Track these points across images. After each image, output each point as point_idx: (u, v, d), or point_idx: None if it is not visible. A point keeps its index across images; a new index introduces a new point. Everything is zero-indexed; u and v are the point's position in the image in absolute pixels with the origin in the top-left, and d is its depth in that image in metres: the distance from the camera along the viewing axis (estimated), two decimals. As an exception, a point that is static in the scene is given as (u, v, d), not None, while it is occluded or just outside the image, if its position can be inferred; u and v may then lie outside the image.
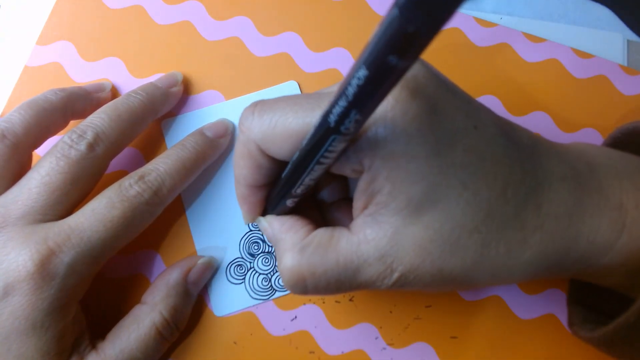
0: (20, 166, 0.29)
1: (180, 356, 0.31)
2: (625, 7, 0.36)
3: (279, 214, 0.26)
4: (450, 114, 0.21)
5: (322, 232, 0.24)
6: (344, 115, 0.18)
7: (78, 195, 0.28)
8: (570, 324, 0.30)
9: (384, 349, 0.31)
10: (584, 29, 0.37)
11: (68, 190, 0.27)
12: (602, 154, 0.26)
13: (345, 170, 0.22)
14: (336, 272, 0.23)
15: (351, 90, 0.17)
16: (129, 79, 0.35)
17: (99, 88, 0.33)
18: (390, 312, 0.32)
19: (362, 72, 0.16)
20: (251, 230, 0.33)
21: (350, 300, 0.32)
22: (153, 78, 0.34)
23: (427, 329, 0.32)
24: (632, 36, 0.36)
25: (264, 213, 0.28)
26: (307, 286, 0.23)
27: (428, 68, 0.22)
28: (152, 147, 0.34)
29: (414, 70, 0.21)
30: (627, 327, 0.23)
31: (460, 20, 0.36)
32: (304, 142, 0.21)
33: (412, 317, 0.32)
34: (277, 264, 0.25)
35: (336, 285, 0.23)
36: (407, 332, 0.32)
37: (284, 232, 0.25)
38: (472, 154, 0.21)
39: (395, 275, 0.22)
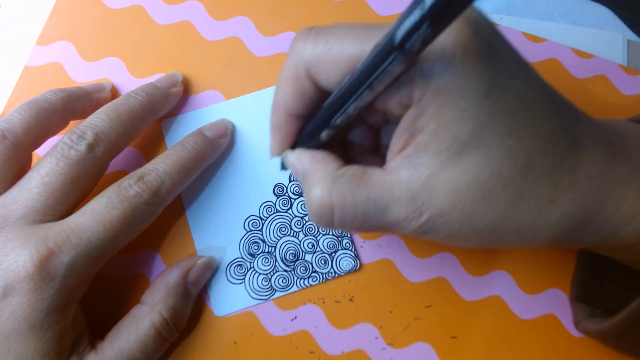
0: (20, 166, 0.29)
1: (180, 356, 0.31)
2: (625, 7, 0.36)
3: (308, 149, 0.26)
4: (506, 60, 0.21)
5: (354, 167, 0.24)
6: (414, 29, 0.17)
7: (78, 196, 0.28)
8: (576, 322, 0.30)
9: (384, 349, 0.31)
10: (584, 29, 0.37)
11: (68, 190, 0.27)
12: (628, 127, 0.25)
13: (392, 102, 0.22)
14: (365, 207, 0.23)
15: (428, 1, 0.16)
16: (129, 79, 0.35)
17: (99, 88, 0.33)
18: (390, 312, 0.32)
19: None
20: (251, 231, 0.33)
21: (350, 300, 0.32)
22: (153, 78, 0.34)
23: (427, 329, 0.32)
24: (632, 36, 0.36)
25: (292, 148, 0.27)
26: (334, 217, 0.23)
27: (485, 16, 0.22)
28: (152, 147, 0.34)
29: (474, 13, 0.21)
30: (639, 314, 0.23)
31: (460, 20, 0.36)
32: (359, 64, 0.21)
33: (412, 317, 0.32)
34: (304, 195, 0.24)
35: (362, 220, 0.23)
36: (407, 332, 0.32)
37: (315, 163, 0.25)
38: (520, 102, 0.21)
39: (424, 218, 0.22)
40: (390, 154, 0.24)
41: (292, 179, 0.33)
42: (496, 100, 0.21)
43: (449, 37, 0.20)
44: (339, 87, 0.22)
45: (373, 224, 0.23)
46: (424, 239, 0.24)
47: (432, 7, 0.16)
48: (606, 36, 0.36)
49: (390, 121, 0.25)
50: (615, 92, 0.35)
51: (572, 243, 0.24)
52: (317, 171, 0.24)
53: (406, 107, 0.22)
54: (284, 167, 0.29)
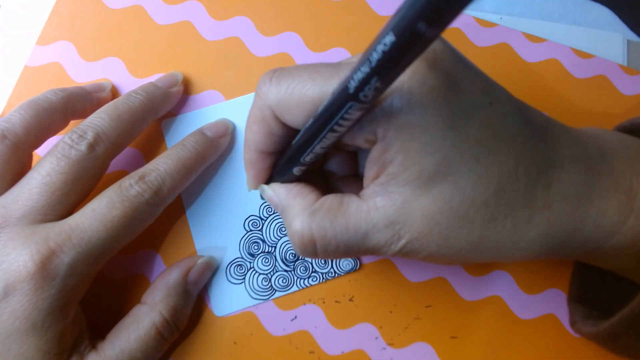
0: (21, 166, 0.29)
1: (180, 356, 0.31)
2: (625, 7, 0.36)
3: (283, 182, 0.27)
4: (467, 89, 0.22)
5: (332, 198, 0.24)
6: (364, 82, 0.18)
7: (79, 196, 0.28)
8: (572, 322, 0.30)
9: (384, 349, 0.31)
10: (584, 29, 0.37)
11: (68, 190, 0.27)
12: (614, 139, 0.26)
13: (358, 140, 0.23)
14: (345, 237, 0.23)
15: (375, 57, 0.17)
16: (129, 79, 0.35)
17: (99, 88, 0.33)
18: (390, 312, 0.32)
19: (389, 38, 0.16)
20: (251, 230, 0.33)
21: (350, 300, 0.32)
22: (153, 78, 0.34)
23: (427, 329, 0.32)
24: (632, 36, 0.36)
25: (268, 182, 0.28)
26: (317, 249, 0.24)
27: (446, 44, 0.22)
28: (152, 147, 0.34)
29: (433, 45, 0.21)
30: (632, 317, 0.23)
31: (460, 21, 0.36)
32: (320, 108, 0.21)
33: (412, 317, 0.32)
34: (286, 229, 0.25)
35: (345, 250, 0.24)
36: (407, 332, 0.32)
37: (292, 197, 0.25)
38: (486, 130, 0.22)
39: (402, 241, 0.23)
40: (365, 182, 0.24)
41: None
42: (459, 131, 0.21)
43: (406, 74, 0.20)
44: (304, 128, 0.23)
45: (356, 251, 0.24)
46: (406, 258, 0.24)
47: (379, 63, 0.17)
48: (606, 36, 0.36)
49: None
50: (615, 92, 0.35)
51: (559, 256, 0.24)
52: (294, 206, 0.25)
53: (372, 142, 0.22)
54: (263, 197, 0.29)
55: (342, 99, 0.19)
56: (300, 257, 0.32)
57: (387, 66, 0.17)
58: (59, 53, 0.35)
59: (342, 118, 0.20)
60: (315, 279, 0.32)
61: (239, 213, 0.33)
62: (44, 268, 0.25)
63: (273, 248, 0.32)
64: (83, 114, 0.31)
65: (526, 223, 0.22)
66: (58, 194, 0.27)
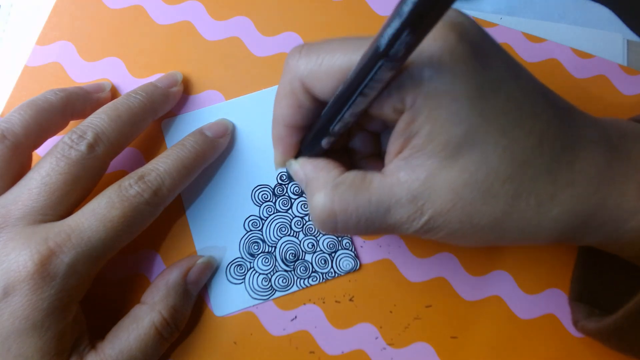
0: (21, 166, 0.29)
1: (180, 356, 0.31)
2: (625, 7, 0.36)
3: (310, 157, 0.27)
4: (494, 62, 0.22)
5: (355, 173, 0.24)
6: (395, 37, 0.18)
7: (78, 196, 0.28)
8: (575, 321, 0.30)
9: (384, 349, 0.31)
10: (584, 29, 0.37)
11: (68, 190, 0.27)
12: (630, 125, 0.26)
13: (386, 108, 0.23)
14: (367, 211, 0.23)
15: (406, 9, 0.17)
16: (129, 79, 0.35)
17: (99, 88, 0.33)
18: (390, 312, 0.32)
19: None
20: (251, 231, 0.33)
21: (350, 300, 0.32)
22: (153, 78, 0.34)
23: (427, 329, 0.32)
24: (632, 36, 0.36)
25: (295, 157, 0.28)
26: (337, 223, 0.24)
27: (473, 20, 0.22)
28: (152, 147, 0.34)
29: (461, 18, 0.22)
30: (637, 312, 0.23)
31: (460, 20, 0.36)
32: (350, 73, 0.21)
33: (412, 317, 0.32)
34: (308, 202, 0.25)
35: (366, 225, 0.24)
36: (407, 332, 0.32)
37: (318, 171, 0.25)
38: (512, 103, 0.22)
39: (425, 217, 0.23)
40: (388, 158, 0.24)
41: (291, 179, 0.33)
42: (487, 101, 0.21)
43: (436, 43, 0.21)
44: (334, 96, 0.23)
45: (376, 226, 0.24)
46: (426, 238, 0.24)
47: (410, 15, 0.17)
48: (606, 36, 0.36)
49: (389, 128, 0.25)
50: (615, 92, 0.35)
51: (576, 240, 0.24)
52: (318, 179, 0.25)
53: (400, 112, 0.22)
54: (290, 177, 0.29)
55: (373, 59, 0.19)
56: (300, 257, 0.32)
57: (418, 18, 0.17)
58: (59, 53, 0.35)
59: (372, 79, 0.20)
60: (315, 279, 0.32)
61: (239, 213, 0.33)
62: (44, 268, 0.25)
63: (273, 248, 0.32)
64: (83, 114, 0.31)
65: (549, 200, 0.22)
66: (58, 194, 0.27)
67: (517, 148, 0.22)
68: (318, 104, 0.25)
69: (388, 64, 0.19)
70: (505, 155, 0.22)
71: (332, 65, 0.23)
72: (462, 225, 0.23)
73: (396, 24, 0.17)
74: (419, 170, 0.22)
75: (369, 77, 0.20)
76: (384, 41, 0.18)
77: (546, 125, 0.22)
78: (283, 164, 0.28)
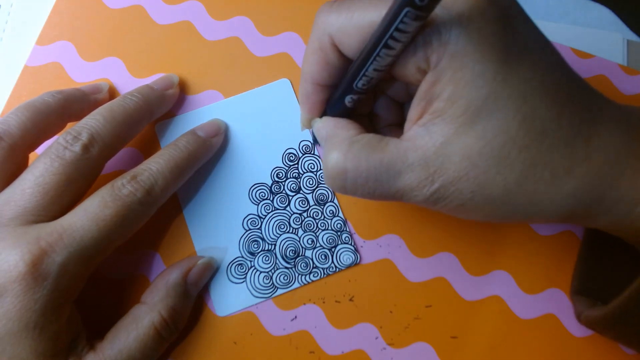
0: (17, 168, 0.29)
1: (180, 356, 0.31)
2: (625, 7, 0.36)
3: (334, 117, 0.27)
4: (522, 29, 0.22)
5: (372, 135, 0.24)
6: None
7: (72, 197, 0.28)
8: (578, 313, 0.29)
9: (384, 349, 0.31)
10: (584, 29, 0.37)
11: (62, 191, 0.27)
12: None
13: (410, 68, 0.22)
14: (378, 171, 0.23)
15: None
16: (129, 79, 0.35)
17: (97, 89, 0.33)
18: (390, 312, 0.32)
19: None
20: (250, 229, 0.33)
21: (350, 300, 0.32)
22: (153, 78, 0.34)
23: (427, 329, 0.32)
24: (632, 36, 0.36)
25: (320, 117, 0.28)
26: (347, 179, 0.24)
27: None
28: (152, 147, 0.34)
29: None
30: None
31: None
32: (376, 26, 0.21)
33: (412, 317, 0.32)
34: (323, 159, 0.25)
35: (374, 186, 0.24)
36: (407, 332, 0.31)
37: (337, 129, 0.26)
38: (536, 71, 0.21)
39: (436, 185, 0.22)
40: (407, 124, 0.24)
41: (288, 176, 0.33)
42: (512, 66, 0.21)
43: (466, 3, 0.21)
44: (360, 51, 0.23)
45: (385, 190, 0.24)
46: (435, 209, 0.24)
47: None
48: (606, 36, 0.36)
49: (412, 96, 0.25)
50: (615, 92, 0.35)
51: (586, 219, 0.24)
52: (337, 136, 0.25)
53: (423, 72, 0.22)
54: (315, 140, 0.30)
55: (399, 6, 0.19)
56: (300, 254, 0.32)
57: None
58: (59, 53, 0.35)
59: (396, 29, 0.20)
60: (316, 275, 0.32)
61: (237, 212, 0.33)
62: (35, 268, 0.25)
63: (273, 246, 0.32)
64: (80, 115, 0.31)
65: (564, 174, 0.22)
66: (51, 194, 0.27)
67: (537, 117, 0.21)
68: (346, 61, 0.25)
69: (413, 12, 0.19)
70: (525, 123, 0.21)
71: (363, 20, 0.22)
72: (473, 195, 0.22)
73: None
74: (435, 136, 0.22)
75: (394, 26, 0.20)
76: None
77: (567, 98, 0.22)
78: (308, 122, 0.28)
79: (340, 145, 0.24)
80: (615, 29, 0.37)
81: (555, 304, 0.32)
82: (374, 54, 0.22)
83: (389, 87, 0.28)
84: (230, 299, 0.32)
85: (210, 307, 0.32)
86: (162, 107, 0.33)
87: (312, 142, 0.32)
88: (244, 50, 0.35)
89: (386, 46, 0.21)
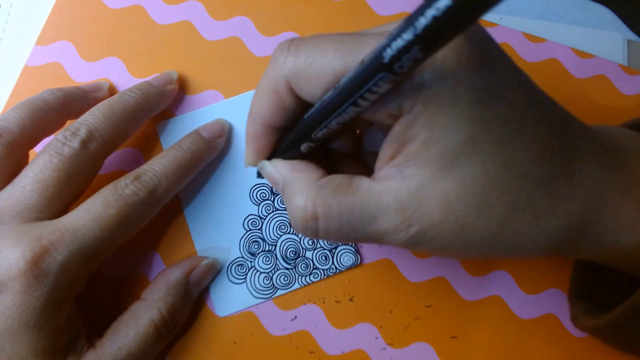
0: (16, 165, 0.29)
1: (181, 356, 0.31)
2: (625, 7, 0.36)
3: (285, 159, 0.25)
4: (500, 69, 0.21)
5: (340, 177, 0.23)
6: (404, 51, 0.16)
7: (72, 193, 0.28)
8: (573, 317, 0.30)
9: (384, 349, 0.31)
10: (584, 29, 0.37)
11: (62, 187, 0.27)
12: (626, 134, 0.25)
13: (380, 114, 0.21)
14: (351, 217, 0.22)
15: (423, 23, 0.15)
16: (129, 79, 0.35)
17: (96, 87, 0.33)
18: (390, 312, 0.32)
19: (444, 2, 0.14)
20: (250, 230, 0.33)
21: (350, 300, 0.32)
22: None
23: (427, 329, 0.32)
24: (632, 36, 0.36)
25: (269, 159, 0.27)
26: (319, 227, 0.23)
27: (479, 24, 0.21)
28: (152, 147, 0.34)
29: None
30: (633, 310, 0.23)
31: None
32: (344, 79, 0.20)
33: (412, 317, 0.32)
34: (286, 205, 0.24)
35: (348, 231, 0.22)
36: (407, 332, 0.32)
37: (296, 172, 0.24)
38: (515, 111, 0.21)
39: (413, 229, 0.21)
40: (379, 164, 0.23)
41: (261, 177, 0.33)
42: (489, 108, 0.20)
43: None
44: (321, 101, 0.22)
45: (359, 234, 0.23)
46: (415, 250, 0.23)
47: (426, 31, 0.15)
48: (606, 36, 0.36)
49: (374, 127, 0.25)
50: (615, 92, 0.35)
51: (570, 254, 0.24)
52: (299, 181, 0.24)
53: (396, 117, 0.21)
54: (260, 175, 0.28)
55: (373, 69, 0.18)
56: (300, 255, 0.32)
57: (434, 35, 0.15)
58: (58, 53, 0.35)
59: (369, 91, 0.19)
60: (316, 276, 0.32)
61: (237, 212, 0.33)
62: (36, 266, 0.25)
63: (273, 246, 0.32)
64: (80, 113, 0.31)
65: (547, 214, 0.21)
66: (51, 190, 0.27)
67: (516, 160, 0.21)
68: (301, 105, 0.24)
69: (389, 77, 0.18)
70: (504, 166, 0.21)
71: (324, 67, 0.21)
72: (454, 239, 0.21)
73: (408, 36, 0.16)
74: (410, 179, 0.21)
75: (366, 88, 0.19)
76: (390, 53, 0.17)
77: (547, 136, 0.21)
78: (254, 163, 0.27)
79: (306, 190, 0.23)
80: (615, 29, 0.37)
81: (555, 304, 0.32)
82: (339, 110, 0.20)
83: (351, 124, 0.26)
84: (230, 299, 0.32)
85: (210, 307, 0.32)
86: (161, 103, 0.33)
87: (257, 175, 0.29)
88: (244, 50, 0.35)
89: (354, 104, 0.20)
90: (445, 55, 0.20)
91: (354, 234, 0.23)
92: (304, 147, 0.24)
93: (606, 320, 0.25)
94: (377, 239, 0.23)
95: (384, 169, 0.22)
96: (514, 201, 0.21)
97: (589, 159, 0.22)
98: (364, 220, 0.22)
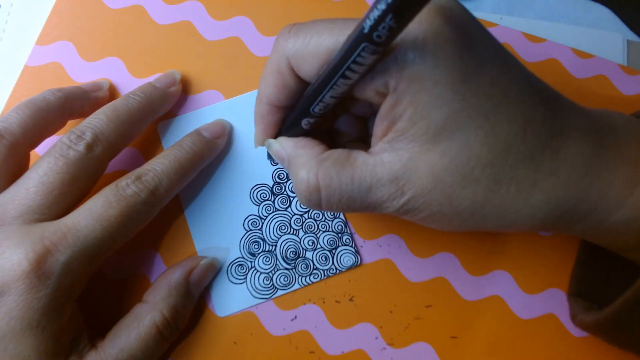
0: (18, 166, 0.29)
1: (181, 356, 0.31)
2: (625, 7, 0.36)
3: (291, 137, 0.27)
4: (481, 47, 0.22)
5: (339, 151, 0.25)
6: (379, 20, 0.18)
7: (76, 196, 0.28)
8: (573, 316, 0.30)
9: (384, 349, 0.31)
10: (584, 29, 0.37)
11: (66, 190, 0.27)
12: (621, 117, 0.26)
13: (369, 91, 0.23)
14: (350, 188, 0.24)
15: None
16: (129, 79, 0.35)
17: (97, 87, 0.33)
18: (390, 312, 0.32)
19: None
20: (250, 230, 0.33)
21: (350, 300, 0.32)
22: (153, 78, 0.34)
23: (427, 329, 0.32)
24: (632, 36, 0.36)
25: (275, 137, 0.28)
26: (321, 199, 0.24)
27: (462, 5, 0.22)
28: (152, 147, 0.34)
29: (449, 3, 0.22)
30: (635, 301, 0.23)
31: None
32: (334, 54, 0.22)
33: (412, 317, 0.32)
34: (292, 179, 0.26)
35: (347, 202, 0.24)
36: (407, 332, 0.32)
37: (299, 148, 0.26)
38: (497, 88, 0.22)
39: (405, 197, 0.23)
40: (373, 140, 0.25)
41: (289, 178, 0.33)
42: (470, 85, 0.21)
43: (421, 26, 0.21)
44: (317, 76, 0.24)
45: (357, 204, 0.24)
46: (407, 219, 0.24)
47: (395, 0, 0.17)
48: (606, 36, 0.36)
49: (376, 111, 0.26)
50: (615, 92, 0.35)
51: (559, 228, 0.24)
52: (302, 155, 0.25)
53: (383, 95, 0.23)
54: (270, 157, 0.30)
55: (356, 40, 0.20)
56: (301, 255, 0.32)
57: (403, 4, 0.17)
58: (59, 53, 0.35)
59: (354, 62, 0.20)
60: (316, 276, 0.32)
61: (238, 213, 0.33)
62: (39, 267, 0.25)
63: (273, 247, 0.32)
64: (81, 113, 0.31)
65: (530, 188, 0.22)
66: (55, 193, 0.27)
67: (500, 133, 0.22)
68: (303, 84, 0.25)
69: (370, 47, 0.19)
70: (487, 140, 0.22)
71: (319, 46, 0.23)
72: (442, 207, 0.23)
73: (381, 6, 0.18)
74: (401, 153, 0.23)
75: (351, 59, 0.20)
76: (368, 23, 0.19)
77: (531, 112, 0.22)
78: (262, 142, 0.29)
79: (309, 164, 0.25)
80: (615, 29, 0.37)
81: (555, 304, 0.32)
82: (331, 83, 0.22)
83: (352, 105, 0.28)
84: (230, 299, 0.32)
85: (211, 308, 0.32)
86: (165, 105, 0.33)
87: (267, 156, 0.32)
88: (244, 50, 0.35)
89: (343, 76, 0.22)
90: (426, 35, 0.21)
91: (353, 204, 0.24)
92: (304, 122, 0.26)
93: (607, 314, 0.25)
94: (373, 208, 0.24)
95: (378, 144, 0.24)
96: (497, 174, 0.22)
97: (579, 135, 0.23)
98: (362, 191, 0.24)
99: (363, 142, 0.29)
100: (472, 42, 0.22)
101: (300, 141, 0.26)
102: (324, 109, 0.24)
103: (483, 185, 0.22)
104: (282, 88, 0.26)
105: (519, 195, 0.22)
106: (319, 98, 0.24)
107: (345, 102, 0.28)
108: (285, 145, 0.27)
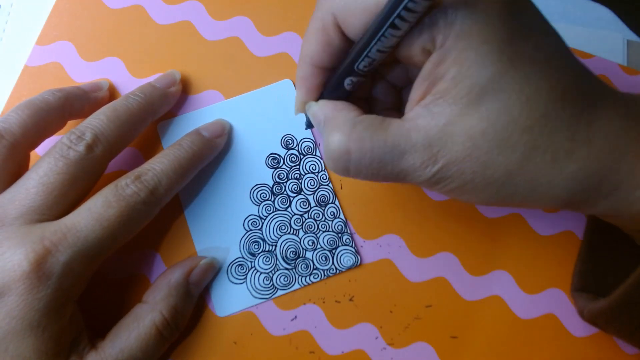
0: (18, 166, 0.29)
1: (181, 356, 0.31)
2: (625, 7, 0.36)
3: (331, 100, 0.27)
4: (529, 12, 0.22)
5: (374, 116, 0.24)
6: None
7: (76, 196, 0.28)
8: (580, 310, 0.29)
9: (384, 349, 0.31)
10: (584, 29, 0.37)
11: (66, 191, 0.27)
12: None
13: (415, 48, 0.22)
14: (382, 152, 0.23)
15: None
16: (129, 79, 0.35)
17: (97, 87, 0.33)
18: (390, 312, 0.32)
19: None
20: (250, 230, 0.33)
21: (350, 300, 0.32)
22: (153, 78, 0.34)
23: (427, 329, 0.32)
24: (632, 36, 0.36)
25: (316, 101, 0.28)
26: (351, 161, 0.24)
27: None
28: (152, 147, 0.34)
29: None
30: None
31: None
32: (384, 4, 0.21)
33: (412, 317, 0.32)
34: (324, 141, 0.25)
35: (378, 167, 0.23)
36: (407, 332, 0.32)
37: (337, 111, 0.25)
38: (541, 53, 0.22)
39: (438, 165, 0.22)
40: (408, 106, 0.24)
41: (289, 177, 0.33)
42: (517, 47, 0.21)
43: None
44: (365, 31, 0.23)
45: (388, 170, 0.24)
46: (436, 189, 0.24)
47: None
48: (606, 36, 0.36)
49: (411, 83, 0.26)
50: (615, 92, 0.35)
51: (585, 204, 0.24)
52: (337, 117, 0.25)
53: (428, 53, 0.22)
54: (308, 124, 0.29)
55: None
56: (301, 255, 0.32)
57: None
58: (59, 53, 0.35)
59: (405, 8, 0.20)
60: (316, 276, 0.32)
61: (238, 213, 0.33)
62: (39, 267, 0.25)
63: (273, 247, 0.32)
64: (81, 113, 0.31)
65: (565, 156, 0.22)
66: (55, 194, 0.27)
67: (540, 99, 0.21)
68: (347, 43, 0.25)
69: None
70: (527, 105, 0.21)
71: (368, 0, 0.22)
72: (475, 176, 0.22)
73: None
74: (438, 117, 0.22)
75: (403, 4, 0.20)
76: None
77: (570, 82, 0.22)
78: (303, 106, 0.28)
79: (343, 126, 0.24)
80: (615, 29, 0.37)
81: (555, 304, 0.32)
82: (379, 34, 0.22)
83: (389, 72, 0.28)
84: (230, 299, 0.32)
85: (211, 308, 0.32)
86: (165, 105, 0.33)
87: (306, 125, 0.31)
88: (244, 50, 0.35)
89: (392, 26, 0.21)
90: None
91: (383, 170, 0.24)
92: (347, 82, 0.25)
93: (617, 295, 0.25)
94: (403, 175, 0.24)
95: (414, 109, 0.23)
96: (534, 140, 0.22)
97: (610, 111, 0.23)
98: (394, 155, 0.23)
99: (397, 111, 0.29)
100: (520, 7, 0.22)
101: (339, 104, 0.26)
102: (369, 66, 0.24)
103: (519, 152, 0.22)
104: (326, 46, 0.25)
105: (554, 164, 0.22)
106: (365, 52, 0.23)
107: (383, 69, 0.28)
108: (324, 108, 0.26)
